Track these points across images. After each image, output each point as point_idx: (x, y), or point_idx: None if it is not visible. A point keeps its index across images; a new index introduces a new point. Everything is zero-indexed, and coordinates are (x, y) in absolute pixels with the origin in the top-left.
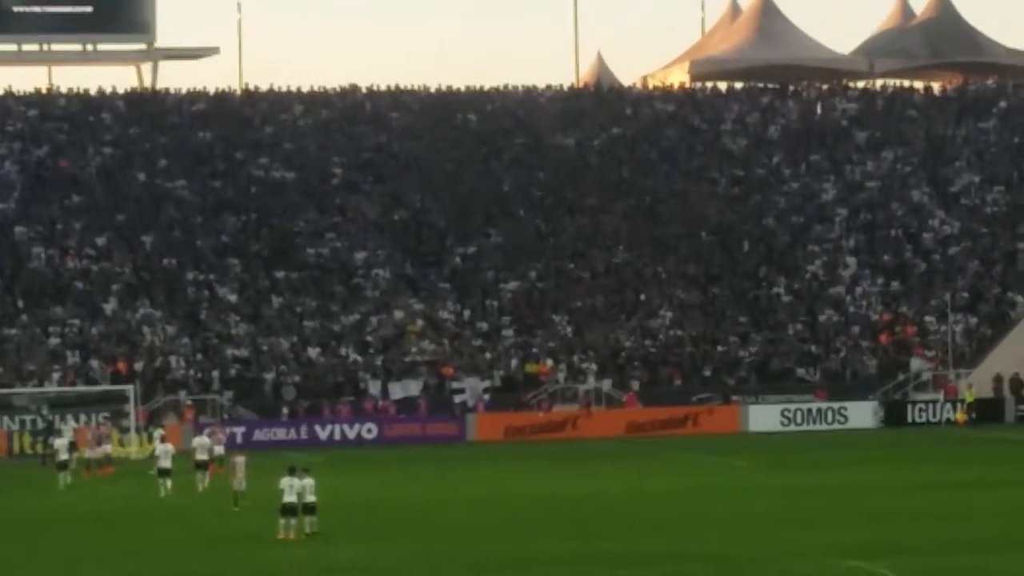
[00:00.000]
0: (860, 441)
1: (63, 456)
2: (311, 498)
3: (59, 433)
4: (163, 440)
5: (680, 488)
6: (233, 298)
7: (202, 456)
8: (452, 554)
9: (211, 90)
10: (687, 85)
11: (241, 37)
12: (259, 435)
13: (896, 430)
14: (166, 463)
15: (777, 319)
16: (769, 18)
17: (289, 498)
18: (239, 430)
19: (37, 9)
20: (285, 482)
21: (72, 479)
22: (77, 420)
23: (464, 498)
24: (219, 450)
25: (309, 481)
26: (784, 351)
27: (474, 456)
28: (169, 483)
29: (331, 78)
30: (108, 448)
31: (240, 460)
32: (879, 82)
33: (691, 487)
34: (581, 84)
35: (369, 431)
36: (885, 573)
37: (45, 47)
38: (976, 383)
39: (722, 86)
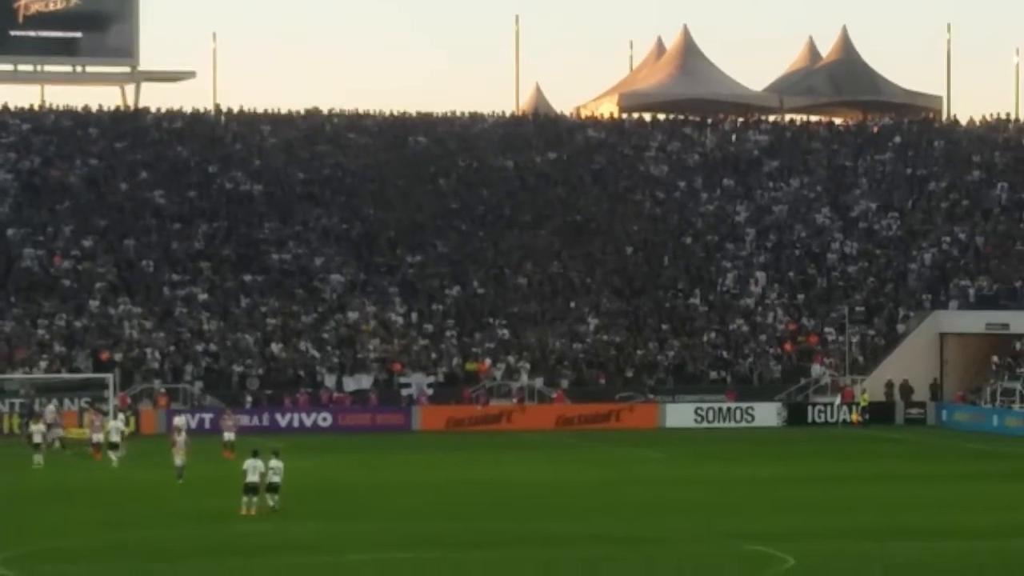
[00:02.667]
0: (765, 438)
1: (37, 439)
2: (276, 479)
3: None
4: (115, 418)
5: (603, 477)
6: (204, 297)
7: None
8: (396, 531)
9: (187, 110)
10: (616, 115)
11: (215, 63)
12: None
13: (797, 428)
14: (115, 438)
15: (693, 327)
16: (691, 57)
17: (252, 478)
18: (207, 416)
19: (32, 33)
20: (248, 464)
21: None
22: (61, 404)
23: (409, 482)
24: (229, 436)
25: (279, 463)
26: (698, 356)
27: (419, 444)
28: (115, 455)
29: (296, 102)
30: (100, 435)
31: (180, 439)
32: (787, 117)
33: (612, 476)
34: (521, 112)
35: (324, 420)
36: (783, 556)
37: (38, 68)
38: (869, 388)
39: (647, 117)
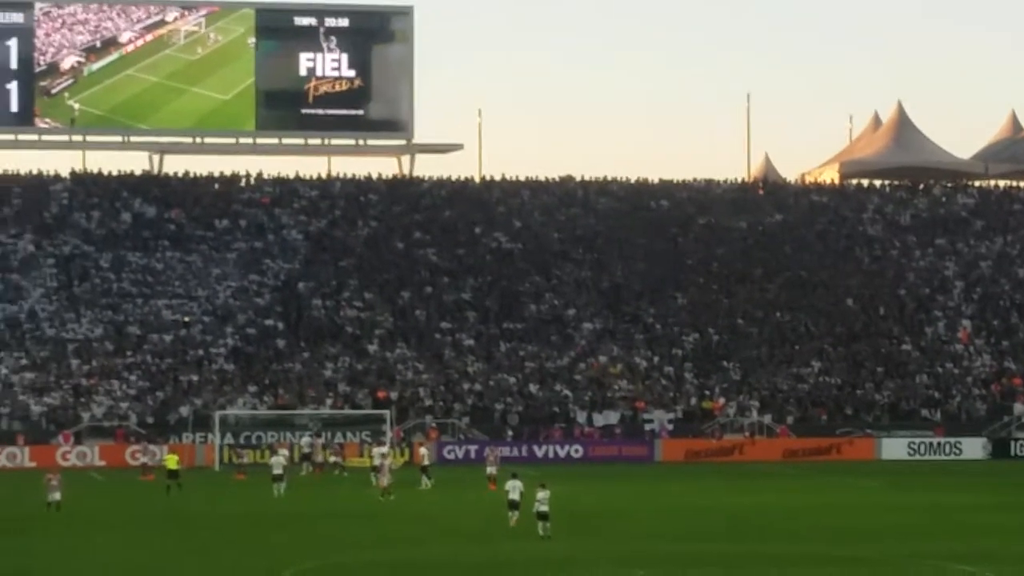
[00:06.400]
0: (972, 470)
1: (277, 471)
2: (544, 508)
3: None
4: (379, 444)
5: (825, 503)
6: (470, 343)
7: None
8: (640, 551)
9: (456, 177)
10: (837, 182)
11: (481, 136)
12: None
13: (1002, 461)
14: (378, 461)
15: (906, 370)
16: (905, 129)
17: (513, 496)
18: (473, 447)
19: (320, 111)
20: (509, 484)
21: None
22: (344, 437)
23: (653, 507)
24: (491, 470)
25: (545, 493)
26: (911, 395)
27: (660, 474)
28: (379, 477)
29: (551, 169)
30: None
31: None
32: (993, 182)
33: (833, 503)
34: (751, 178)
35: (576, 451)
36: None
37: (325, 141)
38: None
39: (865, 183)
